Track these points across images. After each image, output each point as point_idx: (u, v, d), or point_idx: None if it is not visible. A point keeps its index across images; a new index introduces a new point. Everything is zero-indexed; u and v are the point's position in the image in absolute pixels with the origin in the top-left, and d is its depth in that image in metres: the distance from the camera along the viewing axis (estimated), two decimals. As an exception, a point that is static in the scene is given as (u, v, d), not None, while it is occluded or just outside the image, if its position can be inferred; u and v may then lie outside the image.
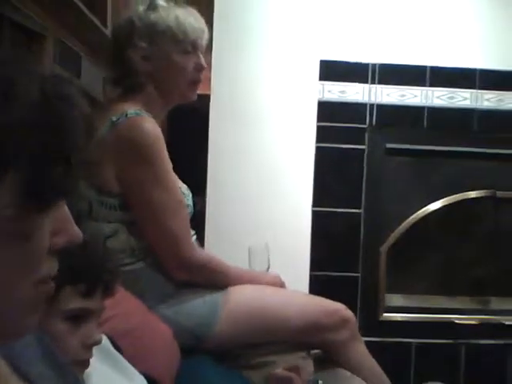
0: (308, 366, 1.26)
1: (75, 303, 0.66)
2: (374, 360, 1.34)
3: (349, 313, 1.31)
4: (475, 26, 2.02)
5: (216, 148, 1.94)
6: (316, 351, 1.37)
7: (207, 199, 1.92)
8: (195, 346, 1.18)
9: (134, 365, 0.85)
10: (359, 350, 1.32)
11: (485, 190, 2.02)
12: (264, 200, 1.95)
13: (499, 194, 2.02)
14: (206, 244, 1.82)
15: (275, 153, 1.96)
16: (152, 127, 1.17)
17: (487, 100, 2.01)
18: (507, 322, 2.04)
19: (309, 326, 1.26)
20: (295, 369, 0.98)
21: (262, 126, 1.96)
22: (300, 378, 0.96)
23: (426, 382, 1.51)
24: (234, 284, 1.26)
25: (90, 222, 1.16)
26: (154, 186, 1.16)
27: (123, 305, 1.02)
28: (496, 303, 2.10)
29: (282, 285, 1.39)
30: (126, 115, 1.16)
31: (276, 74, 1.96)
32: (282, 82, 1.97)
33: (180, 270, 1.19)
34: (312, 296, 1.58)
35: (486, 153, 2.02)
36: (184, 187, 1.31)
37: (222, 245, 1.82)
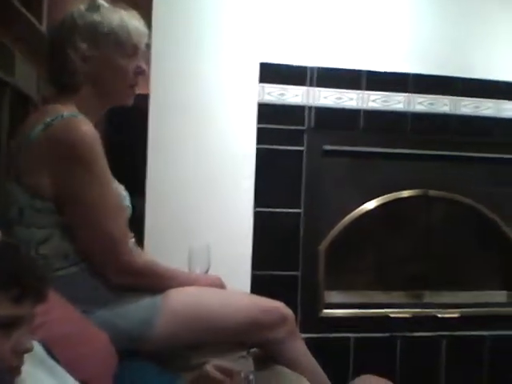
0: (247, 365, 1.28)
1: (5, 310, 0.65)
2: (312, 357, 1.38)
3: (287, 310, 1.33)
4: (409, 32, 2.11)
5: (156, 148, 1.93)
6: (255, 350, 1.39)
7: (146, 200, 1.90)
8: (133, 350, 1.17)
9: (69, 371, 0.84)
10: (298, 347, 1.35)
11: (417, 190, 2.12)
12: (205, 201, 1.95)
13: (431, 193, 2.12)
14: (145, 246, 1.81)
15: (216, 154, 1.97)
16: (88, 129, 1.15)
17: (420, 103, 2.10)
18: (439, 315, 2.14)
19: (248, 325, 1.28)
20: (228, 371, 0.98)
21: (202, 127, 1.97)
22: (232, 381, 0.97)
23: (364, 374, 1.56)
24: (174, 286, 1.25)
25: (20, 227, 1.12)
26: (89, 190, 1.14)
27: (57, 311, 1.00)
28: (429, 297, 2.20)
29: (222, 286, 1.40)
30: (62, 117, 1.14)
31: (216, 76, 1.97)
32: (222, 84, 1.98)
33: (118, 274, 1.17)
34: (251, 295, 1.60)
35: (418, 154, 2.11)
36: (121, 188, 1.30)
37: (162, 246, 1.82)
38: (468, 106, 2.13)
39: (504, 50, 2.17)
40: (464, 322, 2.14)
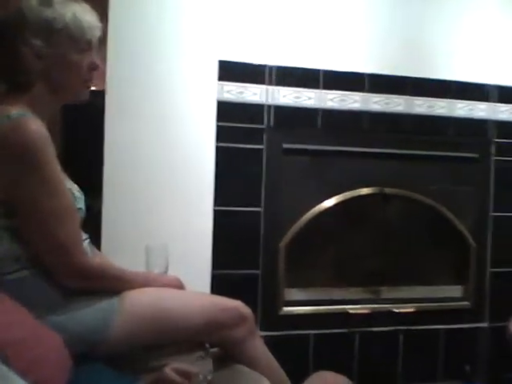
0: (206, 365, 1.27)
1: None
2: (271, 355, 1.39)
3: (246, 310, 1.33)
4: (365, 33, 2.14)
5: (113, 147, 1.89)
6: (215, 349, 1.39)
7: (103, 199, 1.86)
8: (89, 353, 1.14)
9: (22, 376, 0.82)
10: (257, 345, 1.36)
11: (374, 187, 2.16)
12: (164, 200, 1.93)
13: (387, 190, 2.17)
14: (102, 246, 1.77)
15: (175, 152, 1.95)
16: (38, 129, 1.11)
17: (375, 103, 2.14)
18: (396, 310, 2.19)
19: (207, 325, 1.27)
20: (186, 373, 0.98)
21: (161, 124, 1.94)
22: (190, 383, 0.96)
23: (321, 371, 1.58)
24: (130, 288, 1.23)
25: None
26: (41, 192, 1.10)
27: (9, 315, 0.97)
28: (386, 292, 2.25)
29: (181, 286, 1.39)
30: (9, 117, 1.10)
31: (175, 74, 1.95)
32: (181, 82, 1.95)
33: (72, 277, 1.14)
34: (210, 295, 1.60)
35: (375, 152, 2.15)
36: (75, 188, 1.26)
37: (119, 247, 1.78)
38: (422, 106, 2.19)
39: (456, 50, 2.23)
40: (420, 316, 2.20)
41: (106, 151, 1.88)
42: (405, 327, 2.17)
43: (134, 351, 1.22)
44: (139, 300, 1.23)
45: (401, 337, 2.17)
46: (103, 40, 1.59)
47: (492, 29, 2.27)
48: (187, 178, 1.96)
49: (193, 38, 1.96)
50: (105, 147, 1.88)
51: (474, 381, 2.23)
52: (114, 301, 1.19)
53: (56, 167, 1.13)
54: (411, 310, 2.20)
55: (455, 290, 2.32)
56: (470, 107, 2.24)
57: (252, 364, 1.33)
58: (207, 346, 1.32)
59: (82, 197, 1.28)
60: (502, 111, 2.28)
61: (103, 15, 1.75)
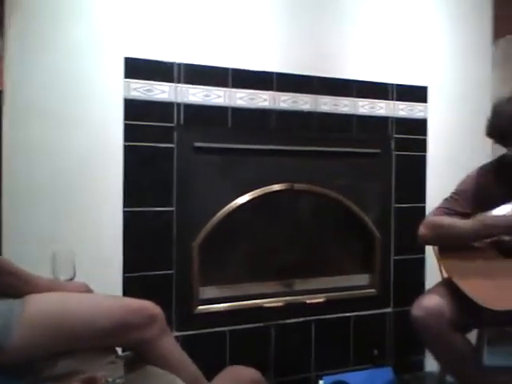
0: (117, 369, 1.25)
1: None
2: (184, 353, 1.38)
3: (156, 309, 1.32)
4: (272, 33, 2.18)
5: (13, 148, 1.79)
6: (126, 353, 1.36)
7: (2, 205, 1.76)
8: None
9: None
10: (169, 345, 1.35)
11: (284, 184, 2.22)
12: (70, 203, 1.86)
13: (296, 186, 2.23)
14: (5, 251, 1.67)
15: (81, 153, 1.88)
16: None
17: (283, 101, 2.19)
18: (308, 301, 2.27)
19: (116, 328, 1.24)
20: (92, 380, 0.95)
21: (65, 125, 1.86)
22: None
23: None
24: (32, 291, 1.18)
25: None
26: None
27: None
28: (299, 285, 2.32)
29: (88, 291, 1.35)
30: None
31: (79, 71, 1.88)
32: (85, 79, 1.89)
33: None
34: (117, 297, 1.57)
35: (284, 150, 2.21)
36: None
37: (23, 254, 1.68)
38: (327, 104, 2.27)
39: (358, 51, 2.35)
40: (330, 305, 2.29)
41: (5, 154, 1.78)
42: (316, 317, 2.26)
43: (38, 358, 1.17)
44: (43, 305, 1.18)
45: (313, 327, 2.25)
46: (1, 37, 1.51)
47: (391, 31, 2.42)
48: (94, 180, 1.90)
49: (97, 35, 1.90)
50: (3, 149, 1.78)
51: (382, 364, 2.37)
52: (15, 305, 1.13)
53: None
54: (322, 300, 2.28)
55: (362, 279, 2.44)
56: (372, 105, 2.37)
57: (165, 364, 1.32)
58: (117, 349, 1.29)
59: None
60: (401, 109, 2.43)
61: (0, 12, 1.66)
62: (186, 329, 2.02)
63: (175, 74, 2.00)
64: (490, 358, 2.59)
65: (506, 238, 1.71)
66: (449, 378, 1.99)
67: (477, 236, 1.72)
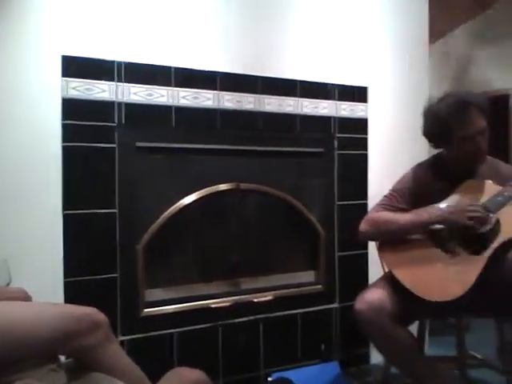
0: (59, 378, 1.20)
1: None
2: (129, 359, 1.35)
3: (100, 315, 1.28)
4: (216, 32, 2.18)
5: None
6: (68, 360, 1.32)
7: None
8: None
9: None
10: (113, 351, 1.31)
11: (231, 183, 2.21)
12: (6, 209, 1.78)
13: (242, 185, 2.23)
14: None
15: (17, 155, 1.81)
16: None
17: (228, 101, 2.19)
18: (256, 300, 2.28)
19: (58, 336, 1.20)
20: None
21: (0, 126, 1.78)
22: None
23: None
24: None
25: None
26: None
27: None
28: (246, 284, 2.32)
29: (26, 298, 1.30)
30: None
31: (14, 69, 1.80)
32: (21, 78, 1.81)
33: None
34: (59, 304, 1.51)
35: (229, 149, 2.21)
36: None
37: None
38: (272, 104, 2.29)
39: (302, 52, 2.38)
40: (277, 303, 2.31)
41: None
42: (264, 315, 2.27)
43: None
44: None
45: (261, 325, 2.26)
46: None
47: (333, 32, 2.47)
48: (32, 183, 1.82)
49: (33, 32, 1.83)
50: None
51: (330, 358, 2.41)
52: None
53: None
54: (270, 298, 2.30)
55: (308, 276, 2.48)
56: (315, 105, 2.41)
57: (110, 370, 1.28)
58: (59, 357, 1.25)
59: None
60: (343, 108, 2.48)
61: None
62: (133, 333, 1.98)
63: (116, 73, 1.96)
64: (431, 348, 2.70)
65: (439, 227, 1.78)
66: (393, 370, 2.05)
67: (413, 229, 1.78)
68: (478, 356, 2.24)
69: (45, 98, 1.85)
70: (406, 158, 2.27)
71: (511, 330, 1.72)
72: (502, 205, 1.75)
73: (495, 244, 1.71)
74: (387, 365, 2.11)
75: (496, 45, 5.70)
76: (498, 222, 1.75)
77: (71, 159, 1.89)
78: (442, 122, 1.77)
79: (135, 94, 1.99)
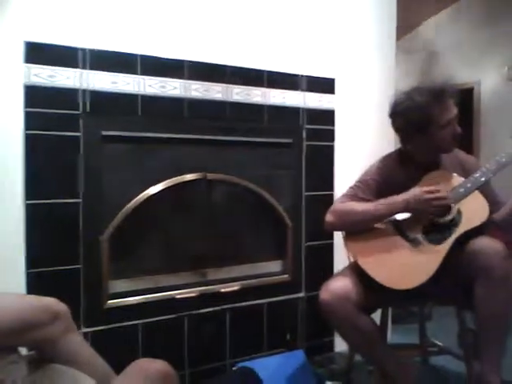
0: (19, 370, 1.18)
1: None
2: (91, 349, 1.34)
3: (60, 306, 1.27)
4: (185, 19, 2.15)
5: None
6: (30, 352, 1.30)
7: None
8: None
9: None
10: (75, 342, 1.30)
11: (198, 173, 2.20)
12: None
13: (209, 176, 2.22)
14: None
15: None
16: None
17: (195, 90, 2.17)
18: (223, 290, 2.28)
19: (18, 327, 1.18)
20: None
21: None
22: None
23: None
24: None
25: None
26: None
27: None
28: (213, 274, 2.32)
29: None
30: None
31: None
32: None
33: None
34: (20, 294, 1.49)
35: (196, 139, 2.19)
36: None
37: None
38: (240, 94, 2.28)
39: (271, 43, 2.38)
40: (244, 293, 2.32)
41: None
42: (231, 305, 2.28)
43: None
44: None
45: (228, 315, 2.27)
46: None
47: (301, 23, 2.47)
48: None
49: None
50: None
51: (295, 347, 2.44)
52: None
53: None
54: (237, 288, 2.31)
55: (276, 266, 2.50)
56: (283, 96, 2.41)
57: (72, 362, 1.27)
58: (22, 349, 1.22)
59: None
60: (311, 100, 2.49)
61: None
62: (97, 324, 1.96)
63: (80, 60, 1.91)
64: (394, 336, 2.77)
65: (401, 217, 1.81)
66: (357, 357, 2.10)
67: (377, 218, 1.81)
68: (440, 343, 2.31)
69: (6, 84, 1.79)
70: (372, 150, 2.31)
71: (471, 318, 1.77)
72: (463, 196, 1.80)
73: (456, 234, 1.75)
74: (351, 352, 2.16)
75: (462, 38, 5.82)
76: (459, 212, 1.80)
77: (34, 148, 1.84)
78: (422, 111, 1.78)
79: (100, 81, 1.95)
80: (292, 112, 2.44)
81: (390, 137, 2.00)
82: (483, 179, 1.80)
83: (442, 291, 1.78)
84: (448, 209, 1.78)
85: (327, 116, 2.55)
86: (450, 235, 1.76)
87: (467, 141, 5.60)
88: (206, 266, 2.30)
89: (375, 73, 2.75)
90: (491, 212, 1.81)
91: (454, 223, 1.78)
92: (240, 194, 2.36)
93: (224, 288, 2.28)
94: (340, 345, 2.52)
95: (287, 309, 2.46)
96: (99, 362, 1.32)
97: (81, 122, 1.92)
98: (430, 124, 1.80)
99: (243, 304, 2.31)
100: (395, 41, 2.86)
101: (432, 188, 1.78)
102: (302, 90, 2.47)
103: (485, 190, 1.84)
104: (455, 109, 1.82)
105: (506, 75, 5.38)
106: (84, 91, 1.92)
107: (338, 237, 2.12)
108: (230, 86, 2.26)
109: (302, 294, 2.50)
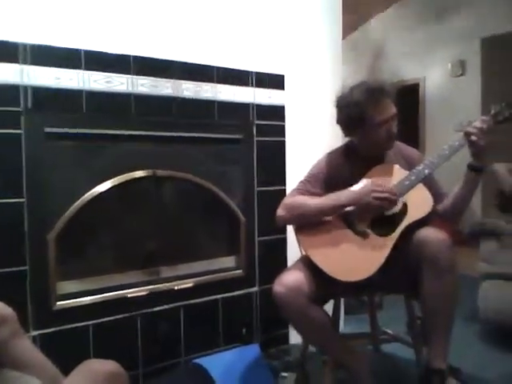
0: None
1: None
2: (39, 353, 1.30)
3: (6, 310, 1.23)
4: (130, 14, 2.11)
5: None
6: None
7: None
8: None
9: None
10: (23, 346, 1.26)
11: (147, 170, 2.17)
12: None
13: (158, 172, 2.19)
14: None
15: None
16: None
17: (142, 85, 2.13)
18: (177, 287, 2.26)
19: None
20: None
21: None
22: None
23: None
24: None
25: None
26: None
27: None
28: (166, 272, 2.30)
29: None
30: None
31: None
32: None
33: None
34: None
35: (144, 135, 2.15)
36: None
37: None
38: (189, 89, 2.26)
39: (220, 38, 2.37)
40: (199, 289, 2.31)
41: None
42: (185, 302, 2.26)
43: None
44: None
45: (182, 312, 2.25)
46: None
47: (250, 19, 2.47)
48: None
49: None
50: None
51: (251, 342, 2.46)
52: None
53: None
54: (191, 285, 2.29)
55: (229, 261, 2.50)
56: (233, 91, 2.41)
57: (20, 366, 1.23)
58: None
59: None
60: (261, 95, 2.50)
61: None
62: (45, 327, 1.90)
63: (21, 55, 1.84)
64: (347, 326, 2.83)
65: (350, 210, 1.85)
66: (311, 348, 2.13)
67: (325, 211, 1.84)
68: (390, 332, 2.38)
69: None
70: (321, 145, 2.34)
71: (419, 307, 1.83)
72: (409, 188, 1.86)
73: (402, 226, 1.81)
74: (305, 344, 2.19)
75: (409, 35, 5.99)
76: (405, 204, 1.86)
77: (-28, 146, 1.76)
78: (358, 108, 1.82)
79: (43, 77, 1.88)
80: (242, 108, 2.45)
81: (340, 132, 2.03)
82: (427, 171, 1.86)
83: (390, 281, 1.83)
84: (394, 202, 1.84)
85: (277, 112, 2.57)
86: (396, 227, 1.81)
87: (413, 134, 5.79)
88: (158, 264, 2.27)
89: (324, 69, 2.80)
90: (435, 203, 1.88)
91: (400, 215, 1.84)
92: (191, 191, 2.34)
93: (177, 285, 2.26)
94: (295, 337, 2.56)
95: (242, 304, 2.47)
96: (48, 367, 1.29)
97: (22, 118, 1.85)
98: (366, 121, 1.84)
99: (197, 301, 2.30)
100: (342, 38, 2.92)
101: (379, 182, 1.83)
102: (252, 86, 2.47)
103: (429, 182, 1.91)
104: (393, 108, 1.86)
105: (449, 71, 5.59)
106: (25, 87, 1.85)
107: (291, 231, 2.15)
108: (179, 81, 2.23)
109: (255, 289, 2.51)
